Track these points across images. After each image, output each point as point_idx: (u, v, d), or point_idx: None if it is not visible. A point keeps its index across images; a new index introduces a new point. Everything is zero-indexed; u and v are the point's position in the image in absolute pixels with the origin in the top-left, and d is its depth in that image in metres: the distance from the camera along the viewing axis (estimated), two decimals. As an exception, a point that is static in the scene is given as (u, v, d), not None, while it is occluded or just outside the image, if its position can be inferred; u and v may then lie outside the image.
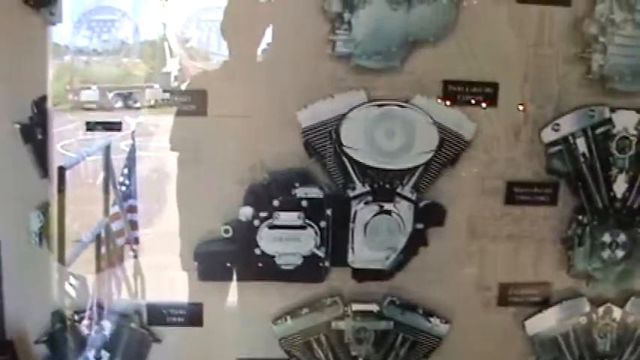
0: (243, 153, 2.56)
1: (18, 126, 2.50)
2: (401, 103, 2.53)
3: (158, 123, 2.70)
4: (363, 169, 2.56)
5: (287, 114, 2.51)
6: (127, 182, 3.30)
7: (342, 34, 2.48)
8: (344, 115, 2.51)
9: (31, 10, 2.45)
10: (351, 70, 2.52)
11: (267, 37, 2.56)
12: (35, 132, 2.54)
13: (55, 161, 2.62)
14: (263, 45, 2.56)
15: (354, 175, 2.56)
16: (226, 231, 2.55)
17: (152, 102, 2.80)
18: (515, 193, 2.67)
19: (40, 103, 2.53)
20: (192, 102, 2.53)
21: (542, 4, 2.58)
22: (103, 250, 3.03)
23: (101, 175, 2.95)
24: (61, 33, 2.59)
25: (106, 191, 3.09)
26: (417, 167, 2.57)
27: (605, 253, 2.75)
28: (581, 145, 2.65)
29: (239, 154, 2.56)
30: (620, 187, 2.71)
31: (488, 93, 2.59)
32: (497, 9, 2.57)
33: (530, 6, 2.58)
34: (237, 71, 2.57)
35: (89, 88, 2.98)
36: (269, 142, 2.55)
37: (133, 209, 3.28)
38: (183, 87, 2.66)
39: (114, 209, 3.17)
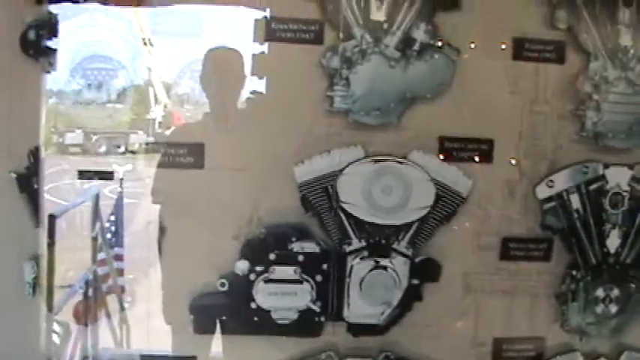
0: (240, 206, 2.67)
1: (14, 175, 2.60)
2: (398, 159, 2.68)
3: (150, 174, 2.78)
4: (359, 225, 2.69)
5: (284, 168, 2.64)
6: (112, 229, 3.47)
7: (340, 90, 2.64)
8: (341, 171, 2.65)
9: (29, 60, 2.58)
10: (348, 126, 2.67)
11: (265, 90, 2.70)
12: (31, 181, 2.64)
13: (46, 209, 2.73)
14: (260, 98, 2.71)
15: (350, 231, 2.69)
16: (222, 284, 2.66)
17: (136, 146, 2.94)
18: (510, 249, 2.82)
19: (36, 153, 2.65)
20: (189, 154, 2.65)
21: (537, 61, 2.76)
22: (90, 293, 3.16)
23: (94, 224, 3.10)
24: (55, 80, 2.74)
25: (95, 239, 3.24)
26: (413, 223, 2.71)
27: (599, 308, 2.90)
28: (575, 201, 2.81)
29: (235, 207, 2.68)
30: (613, 242, 2.87)
31: (483, 149, 2.76)
32: (492, 66, 2.75)
33: (526, 63, 2.76)
34: (233, 124, 2.72)
35: (73, 131, 3.14)
36: (266, 197, 2.67)
37: (119, 257, 3.44)
38: (167, 133, 2.77)
39: (100, 255, 3.33)
